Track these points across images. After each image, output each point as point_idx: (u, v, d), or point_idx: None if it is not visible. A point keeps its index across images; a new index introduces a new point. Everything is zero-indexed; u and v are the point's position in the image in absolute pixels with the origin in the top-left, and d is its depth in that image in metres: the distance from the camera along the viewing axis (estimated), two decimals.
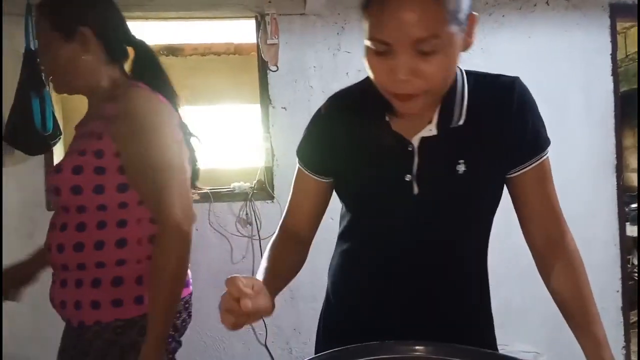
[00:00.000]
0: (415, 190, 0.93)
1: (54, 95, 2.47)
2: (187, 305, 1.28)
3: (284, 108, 2.72)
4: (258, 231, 2.68)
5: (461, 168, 0.91)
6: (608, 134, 2.87)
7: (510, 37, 2.82)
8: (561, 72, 2.83)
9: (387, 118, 0.94)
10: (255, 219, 2.68)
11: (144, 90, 1.18)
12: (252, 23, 2.73)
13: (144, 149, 1.12)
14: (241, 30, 3.34)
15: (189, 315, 1.31)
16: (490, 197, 0.98)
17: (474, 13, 0.83)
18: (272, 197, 2.71)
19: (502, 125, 0.92)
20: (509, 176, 0.96)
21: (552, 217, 0.97)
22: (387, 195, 0.96)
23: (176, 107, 1.26)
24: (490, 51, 2.77)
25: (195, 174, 1.32)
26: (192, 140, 1.30)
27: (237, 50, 4.42)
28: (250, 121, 3.87)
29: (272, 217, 2.64)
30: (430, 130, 0.92)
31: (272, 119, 2.72)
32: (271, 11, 2.61)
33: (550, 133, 0.95)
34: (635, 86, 3.59)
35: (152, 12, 2.70)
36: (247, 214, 2.69)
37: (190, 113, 1.33)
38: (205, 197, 2.66)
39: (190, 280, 1.31)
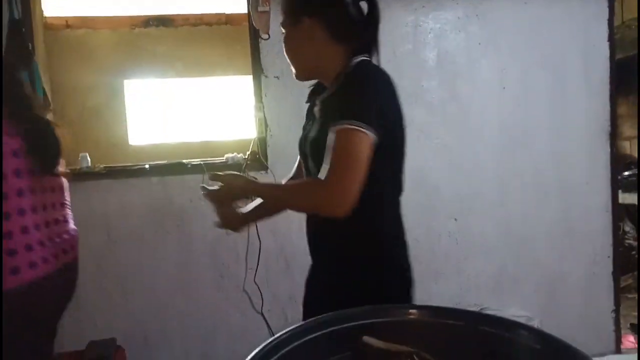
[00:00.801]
0: (308, 150, 1.23)
1: (41, 68, 2.43)
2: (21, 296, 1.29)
3: (277, 77, 2.68)
4: (252, 202, 2.66)
5: (310, 134, 1.21)
6: (604, 102, 2.85)
7: (506, 3, 2.75)
8: (558, 39, 2.78)
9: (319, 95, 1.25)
10: None
11: None
12: None
13: None
14: (232, 0, 3.27)
15: (28, 308, 1.31)
16: None
17: (309, 20, 1.17)
18: (265, 168, 2.69)
19: (336, 98, 1.13)
20: None
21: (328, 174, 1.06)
22: (302, 150, 1.28)
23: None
24: (486, 18, 2.72)
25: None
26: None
27: (228, 20, 4.33)
28: (244, 92, 3.83)
29: None
30: (318, 104, 1.23)
31: (265, 89, 2.68)
32: None
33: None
34: (631, 53, 3.56)
35: None
36: None
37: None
38: (199, 169, 2.65)
39: (34, 264, 1.33)
